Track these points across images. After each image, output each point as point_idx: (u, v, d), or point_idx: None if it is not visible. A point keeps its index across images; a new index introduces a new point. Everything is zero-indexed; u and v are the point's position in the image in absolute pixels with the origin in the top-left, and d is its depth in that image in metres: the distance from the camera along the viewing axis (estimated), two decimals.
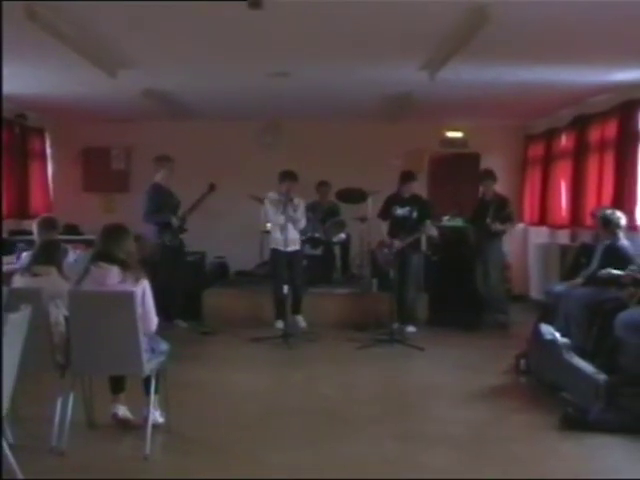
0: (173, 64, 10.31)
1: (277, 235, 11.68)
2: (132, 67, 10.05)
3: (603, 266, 9.13)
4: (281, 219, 11.51)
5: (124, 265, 6.45)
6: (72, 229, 13.87)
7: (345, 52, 9.41)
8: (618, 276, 8.82)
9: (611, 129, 11.38)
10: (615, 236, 9.38)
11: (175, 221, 11.85)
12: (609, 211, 9.66)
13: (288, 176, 11.55)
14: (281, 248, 11.59)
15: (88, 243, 9.89)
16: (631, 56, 9.31)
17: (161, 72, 10.78)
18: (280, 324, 11.47)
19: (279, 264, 11.79)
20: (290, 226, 11.56)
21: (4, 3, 6.90)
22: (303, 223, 11.88)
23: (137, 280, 6.45)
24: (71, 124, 15.00)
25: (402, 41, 8.72)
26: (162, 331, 6.97)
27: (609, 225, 9.44)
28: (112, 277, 6.42)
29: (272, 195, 11.70)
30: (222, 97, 12.90)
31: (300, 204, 11.79)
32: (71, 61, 9.07)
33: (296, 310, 12.08)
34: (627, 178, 10.71)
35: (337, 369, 9.77)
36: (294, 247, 11.81)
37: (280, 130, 15.64)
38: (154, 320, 6.58)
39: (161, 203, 11.84)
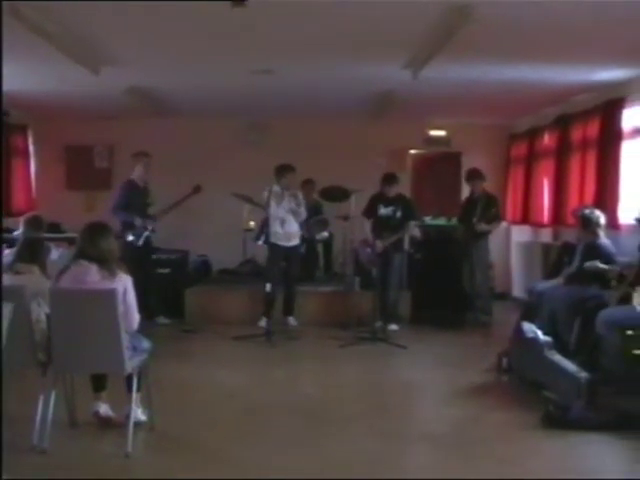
0: (157, 61, 10.30)
1: (277, 229, 11.66)
2: (115, 64, 10.03)
3: (584, 265, 9.18)
4: (280, 213, 11.51)
5: (105, 263, 6.44)
6: (55, 227, 13.82)
7: (329, 50, 9.42)
8: (604, 270, 8.87)
9: (594, 128, 11.40)
10: (595, 235, 9.43)
11: (139, 221, 11.75)
12: (588, 210, 9.71)
13: (286, 169, 11.62)
14: (280, 242, 11.61)
15: (71, 241, 9.86)
16: (613, 55, 9.36)
17: (144, 69, 10.76)
18: (264, 322, 11.45)
19: (275, 260, 11.80)
20: (291, 220, 11.62)
21: None
22: (304, 215, 11.91)
23: (118, 277, 6.44)
24: (54, 121, 14.94)
25: (385, 40, 8.73)
26: (143, 329, 6.96)
27: (589, 224, 9.49)
28: (93, 275, 6.40)
29: (275, 188, 11.66)
30: (206, 95, 12.89)
31: (298, 196, 11.84)
32: (54, 58, 9.04)
33: (288, 311, 12.08)
34: (609, 177, 10.73)
35: (319, 367, 9.78)
36: (294, 242, 11.85)
37: (264, 128, 15.61)
38: (136, 318, 6.56)
39: (130, 200, 11.79)
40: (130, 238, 11.65)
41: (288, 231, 11.63)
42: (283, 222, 11.55)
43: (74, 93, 12.37)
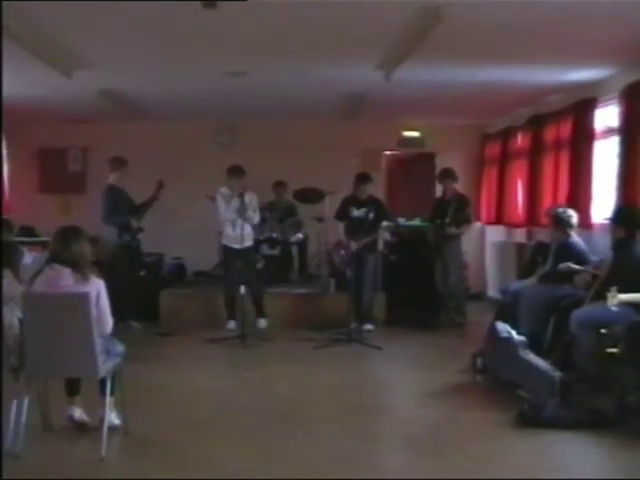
0: (129, 64, 10.27)
1: (228, 231, 11.67)
2: (87, 67, 9.99)
3: (557, 264, 9.24)
4: (231, 215, 11.50)
5: (78, 267, 6.42)
6: (28, 231, 13.77)
7: (301, 52, 9.42)
8: (578, 271, 8.92)
9: (566, 128, 11.45)
10: (567, 235, 9.51)
11: (134, 222, 11.86)
12: (560, 210, 9.80)
13: (233, 172, 11.57)
14: (232, 245, 11.60)
15: (44, 245, 9.83)
16: (584, 56, 9.42)
17: (116, 72, 10.72)
18: (232, 324, 11.44)
19: (231, 262, 11.79)
20: (243, 222, 11.49)
21: None
22: (256, 219, 11.83)
23: (91, 281, 6.42)
24: (27, 125, 14.86)
25: (357, 41, 8.74)
26: (117, 333, 6.94)
27: (561, 224, 9.57)
28: (65, 279, 6.38)
29: (223, 190, 11.65)
30: (178, 97, 12.87)
31: (252, 200, 11.70)
32: (25, 62, 9.00)
33: (259, 313, 12.01)
34: (582, 176, 10.77)
35: (293, 369, 9.77)
36: (247, 244, 11.73)
37: (237, 130, 15.60)
38: (109, 322, 6.55)
39: (118, 204, 11.83)
40: (127, 239, 11.74)
41: (239, 233, 11.51)
42: (234, 224, 11.50)
43: (47, 96, 12.32)
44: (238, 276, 11.66)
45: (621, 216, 8.51)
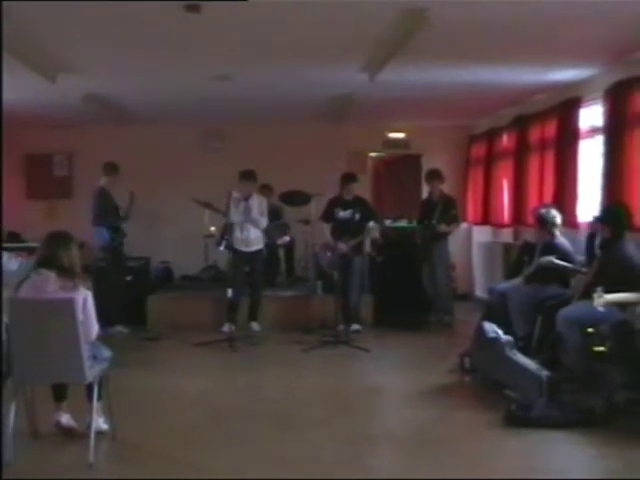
0: (114, 69, 10.26)
1: (237, 234, 11.68)
2: (72, 72, 9.97)
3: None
4: (236, 218, 11.55)
5: (65, 272, 6.41)
6: (15, 237, 13.77)
7: (285, 54, 9.41)
8: (561, 266, 8.95)
9: (551, 128, 11.48)
10: (552, 234, 9.52)
11: (124, 225, 11.92)
12: (544, 210, 9.81)
13: (245, 176, 11.66)
14: (240, 248, 11.63)
15: (31, 251, 9.81)
16: (568, 56, 9.44)
17: (101, 77, 10.70)
18: (227, 327, 11.41)
19: (237, 265, 11.81)
20: (250, 226, 11.65)
21: None
22: (263, 223, 11.89)
23: (78, 287, 6.41)
24: (12, 131, 14.79)
25: (341, 43, 8.74)
26: (105, 337, 6.93)
27: (545, 224, 9.59)
28: (52, 284, 6.37)
29: (234, 194, 11.70)
30: (164, 101, 12.86)
31: (256, 204, 11.81)
32: (9, 66, 8.95)
33: (252, 316, 12.04)
34: (567, 176, 10.79)
35: (282, 372, 9.75)
36: (255, 247, 11.85)
37: (222, 133, 15.60)
38: (95, 327, 6.53)
39: (108, 207, 11.88)
40: (119, 242, 11.84)
41: (247, 237, 11.65)
42: (242, 228, 11.56)
43: (31, 101, 12.29)
44: (241, 279, 11.74)
45: (608, 215, 8.53)
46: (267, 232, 12.42)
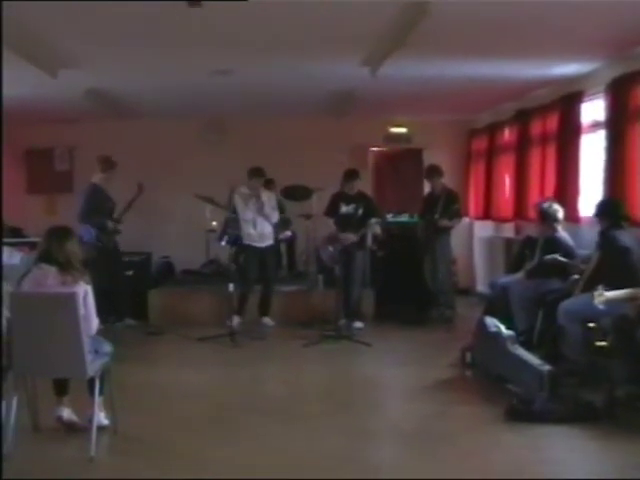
0: (115, 63, 10.24)
1: (249, 230, 11.68)
2: (73, 67, 9.94)
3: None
4: (249, 214, 11.56)
5: (64, 266, 6.42)
6: (16, 231, 13.75)
7: (286, 49, 9.40)
8: (564, 263, 8.95)
9: (552, 122, 11.46)
10: (553, 229, 9.52)
11: (110, 224, 11.66)
12: (546, 204, 9.81)
13: (255, 173, 11.70)
14: (254, 243, 11.64)
15: (32, 246, 9.80)
16: (570, 50, 9.42)
17: (102, 71, 10.69)
18: (235, 321, 11.39)
19: (251, 260, 11.81)
20: (263, 220, 11.71)
21: None
22: (275, 217, 11.96)
23: (78, 281, 6.41)
24: (13, 125, 14.79)
25: (343, 37, 8.72)
26: (106, 332, 6.93)
27: (547, 218, 9.59)
28: (52, 278, 6.39)
29: (243, 190, 11.72)
30: (165, 95, 12.85)
31: (270, 198, 11.93)
32: (10, 61, 8.95)
33: (264, 311, 12.04)
34: (569, 170, 10.78)
35: (284, 366, 9.76)
36: (268, 242, 11.91)
37: (224, 128, 15.59)
38: (95, 322, 6.55)
39: (98, 205, 11.64)
40: (104, 241, 11.62)
41: (261, 232, 11.72)
42: (255, 223, 11.57)
43: (32, 96, 12.26)
44: (255, 274, 11.77)
45: (602, 208, 8.54)
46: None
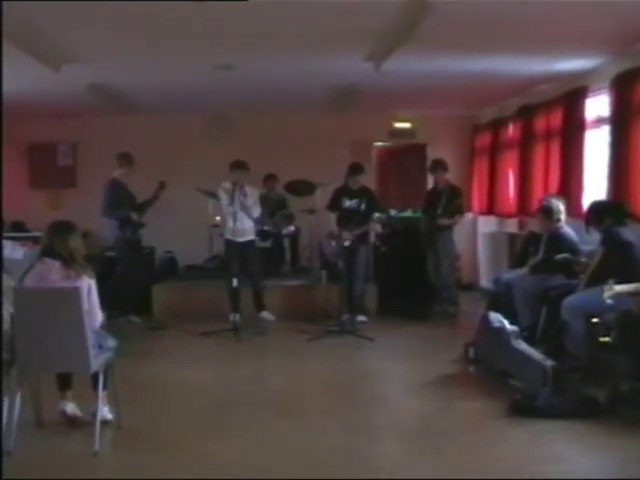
0: (118, 58, 10.22)
1: (230, 224, 11.63)
2: (76, 62, 9.93)
3: (548, 254, 9.28)
4: (230, 208, 11.52)
5: (68, 261, 6.42)
6: (19, 226, 13.77)
7: (289, 44, 9.39)
8: (575, 261, 8.95)
9: (556, 118, 11.44)
10: (557, 225, 9.52)
11: (135, 216, 11.86)
12: (550, 200, 9.80)
13: (237, 166, 11.60)
14: (233, 238, 11.59)
15: (35, 240, 9.82)
16: (574, 45, 9.40)
17: (105, 66, 10.67)
18: (233, 317, 11.39)
19: (231, 255, 11.78)
20: (244, 216, 11.60)
21: None
22: (257, 212, 11.88)
23: (81, 276, 6.42)
24: (16, 120, 14.79)
25: (346, 32, 8.71)
26: (113, 327, 6.94)
27: (550, 214, 9.60)
28: (55, 273, 6.40)
29: (225, 184, 11.68)
30: (167, 91, 12.83)
31: (253, 193, 11.82)
32: (13, 56, 8.95)
33: (259, 306, 12.04)
34: (573, 166, 10.77)
35: (287, 361, 9.78)
36: (247, 237, 11.84)
37: (227, 123, 15.58)
38: (99, 316, 6.57)
39: (120, 198, 11.86)
40: (129, 233, 11.80)
41: (241, 226, 11.58)
42: (235, 217, 11.50)
43: (35, 91, 12.26)
44: (237, 269, 11.69)
45: (605, 207, 8.57)
46: (272, 221, 12.44)
